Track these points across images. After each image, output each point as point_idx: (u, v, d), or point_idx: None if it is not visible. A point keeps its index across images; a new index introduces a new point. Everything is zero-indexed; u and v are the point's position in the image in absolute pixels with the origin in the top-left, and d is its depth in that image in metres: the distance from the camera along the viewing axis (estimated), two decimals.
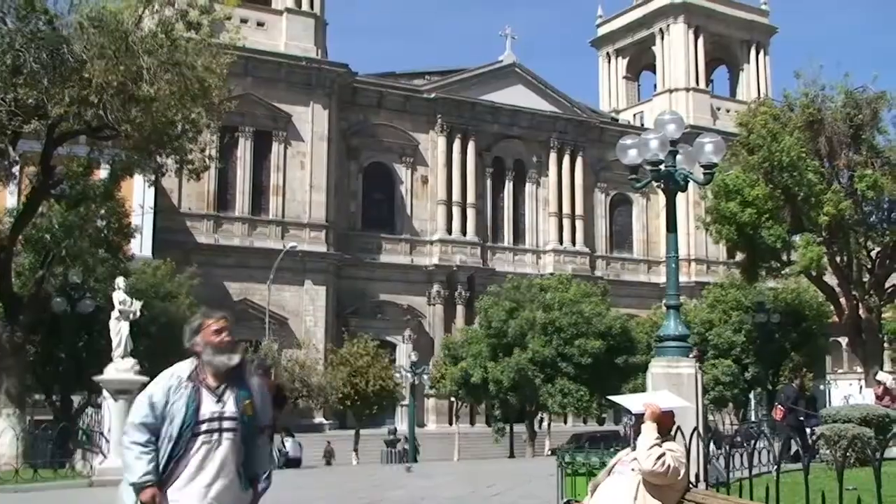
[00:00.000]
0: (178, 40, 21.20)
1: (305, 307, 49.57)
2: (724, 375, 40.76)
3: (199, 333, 5.12)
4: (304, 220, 50.56)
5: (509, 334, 40.81)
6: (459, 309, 54.99)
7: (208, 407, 4.98)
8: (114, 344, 19.45)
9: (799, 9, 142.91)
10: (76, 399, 30.50)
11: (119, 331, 19.42)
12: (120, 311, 19.47)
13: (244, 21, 46.13)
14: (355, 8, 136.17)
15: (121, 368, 19.21)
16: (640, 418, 5.78)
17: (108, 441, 18.98)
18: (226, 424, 5.00)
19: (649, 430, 5.63)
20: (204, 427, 4.94)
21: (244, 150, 49.85)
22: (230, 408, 5.02)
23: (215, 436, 4.96)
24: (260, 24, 50.99)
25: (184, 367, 5.10)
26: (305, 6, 52.55)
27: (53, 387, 29.91)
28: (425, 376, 44.20)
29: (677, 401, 6.42)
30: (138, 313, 20.10)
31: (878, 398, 22.27)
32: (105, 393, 19.54)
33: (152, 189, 39.36)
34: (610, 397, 8.21)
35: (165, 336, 30.47)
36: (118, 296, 19.69)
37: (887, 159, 31.67)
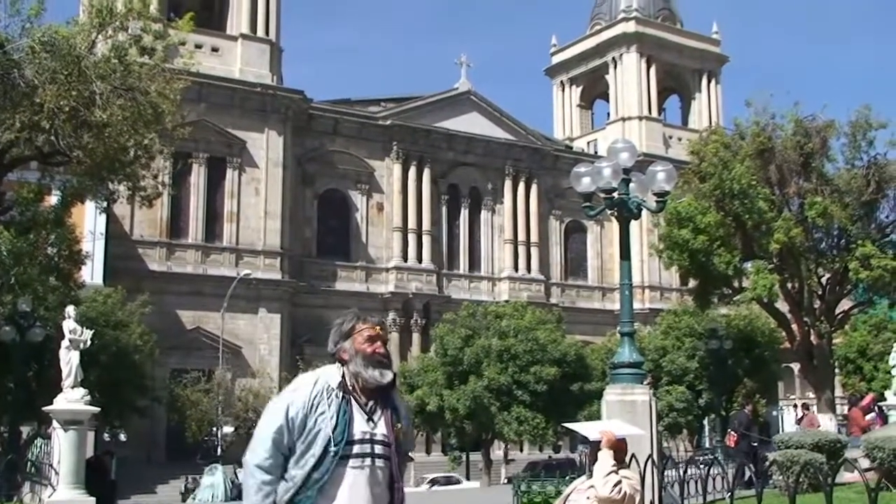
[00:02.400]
0: (132, 65, 21.05)
1: (259, 335, 49.13)
2: (678, 402, 40.97)
3: (350, 338, 4.34)
4: (258, 248, 50.22)
5: (465, 362, 40.73)
6: (415, 336, 54.85)
7: (360, 425, 4.18)
8: (64, 373, 19.11)
9: (750, 38, 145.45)
10: (25, 430, 29.89)
11: (69, 360, 19.09)
12: (70, 341, 19.14)
13: (199, 46, 45.93)
14: (311, 34, 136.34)
15: (71, 398, 18.87)
16: (596, 446, 5.78)
17: (57, 473, 18.59)
18: (378, 449, 4.19)
19: (606, 458, 5.63)
20: (356, 449, 4.13)
21: (198, 177, 49.47)
22: (381, 429, 4.22)
23: (367, 461, 4.15)
24: (215, 50, 50.79)
25: (331, 373, 4.30)
26: (261, 32, 52.45)
27: (2, 417, 29.29)
28: None
29: (630, 429, 6.44)
30: (89, 342, 19.79)
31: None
32: (55, 423, 19.15)
33: (104, 215, 38.87)
34: (566, 425, 8.21)
35: (116, 365, 30.09)
36: (68, 325, 19.36)
37: (836, 187, 32.21)
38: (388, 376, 4.29)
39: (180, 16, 25.80)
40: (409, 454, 4.57)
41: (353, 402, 4.21)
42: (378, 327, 4.40)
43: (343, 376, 4.27)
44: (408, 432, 4.44)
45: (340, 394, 4.20)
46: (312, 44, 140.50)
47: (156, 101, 21.02)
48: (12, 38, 20.23)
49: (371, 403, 4.26)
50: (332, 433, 4.08)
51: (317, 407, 4.14)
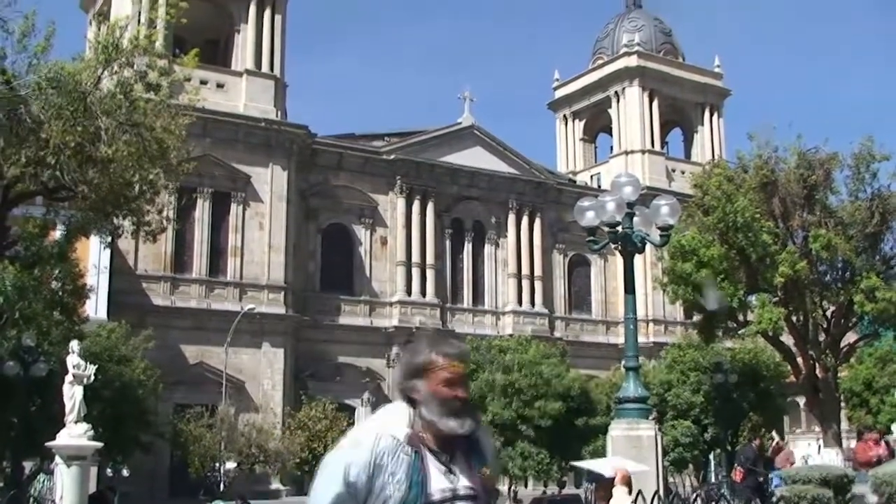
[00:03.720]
0: (137, 101, 21.19)
1: (263, 370, 49.01)
2: (683, 437, 40.69)
3: (423, 377, 3.66)
4: (262, 282, 50.22)
5: (469, 397, 40.54)
6: None
7: (437, 482, 3.55)
8: (67, 409, 19.09)
9: (752, 71, 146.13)
10: (28, 465, 29.80)
11: (73, 395, 19.08)
12: (74, 376, 19.15)
13: (204, 82, 46.27)
14: (315, 69, 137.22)
15: (74, 434, 18.84)
16: (608, 483, 5.76)
17: None
18: None
19: (622, 495, 5.63)
20: None
21: (202, 211, 49.59)
22: (464, 482, 3.61)
23: None
24: (220, 86, 51.09)
25: (395, 421, 3.63)
26: (265, 68, 52.78)
27: (4, 453, 29.19)
28: None
29: (635, 465, 6.44)
30: (93, 377, 19.78)
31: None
32: (58, 459, 19.11)
33: (108, 250, 38.91)
34: (575, 463, 8.18)
35: (120, 400, 30.02)
36: (72, 359, 19.38)
37: (840, 219, 32.21)
38: (468, 426, 3.64)
39: (185, 52, 26.01)
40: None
41: (428, 454, 3.58)
42: (458, 365, 3.71)
43: (412, 424, 3.63)
44: (494, 474, 3.87)
45: (409, 449, 3.55)
46: (317, 79, 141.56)
47: (161, 136, 21.14)
48: (19, 74, 20.40)
49: (449, 453, 3.63)
50: (407, 498, 3.49)
51: (383, 468, 3.50)
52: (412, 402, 3.67)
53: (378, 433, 3.56)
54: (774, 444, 24.67)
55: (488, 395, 40.22)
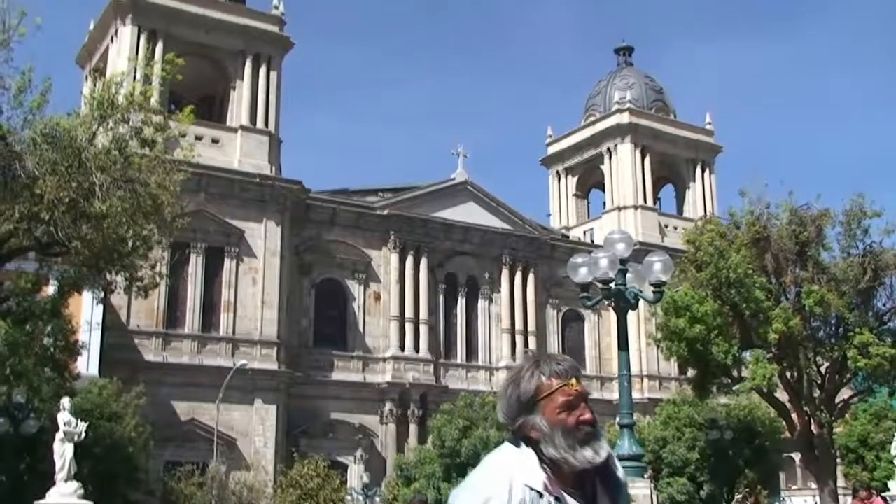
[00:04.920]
0: (132, 157, 21.24)
1: (255, 427, 48.59)
2: (679, 494, 40.39)
3: (537, 406, 3.13)
4: (255, 338, 50.00)
5: (463, 454, 40.24)
6: (412, 428, 54.27)
7: None
8: (57, 466, 18.93)
9: (743, 128, 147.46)
10: None
11: (63, 453, 18.93)
12: (65, 433, 19.01)
13: (199, 138, 46.57)
14: (309, 125, 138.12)
15: (64, 492, 18.66)
16: None
17: None
18: None
19: None
20: None
21: (195, 267, 49.53)
22: None
23: None
24: (215, 141, 51.36)
25: (521, 466, 3.10)
26: (260, 124, 53.11)
27: None
28: (377, 498, 43.29)
29: None
30: (83, 435, 19.62)
31: None
32: None
33: (101, 306, 38.86)
34: None
35: (110, 458, 29.72)
36: (63, 416, 19.25)
37: (833, 275, 32.31)
38: (605, 451, 3.13)
39: (181, 108, 26.17)
40: None
41: (570, 500, 3.09)
42: (574, 382, 3.18)
43: (541, 467, 3.10)
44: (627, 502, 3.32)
45: (551, 498, 3.03)
46: (311, 134, 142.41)
47: (155, 192, 21.16)
48: (15, 129, 20.46)
49: (586, 491, 3.14)
50: None
51: None
52: (530, 442, 3.14)
53: (509, 485, 3.02)
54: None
55: (483, 452, 39.88)
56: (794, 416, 34.47)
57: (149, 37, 50.31)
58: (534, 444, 3.12)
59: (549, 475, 3.05)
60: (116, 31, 51.81)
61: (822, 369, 34.02)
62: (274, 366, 49.83)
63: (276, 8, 55.59)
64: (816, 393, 33.77)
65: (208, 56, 53.20)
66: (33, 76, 20.15)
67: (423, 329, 56.58)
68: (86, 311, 35.74)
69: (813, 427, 33.39)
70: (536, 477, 3.05)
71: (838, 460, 42.79)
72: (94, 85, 46.02)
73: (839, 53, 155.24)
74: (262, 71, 53.79)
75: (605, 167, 68.90)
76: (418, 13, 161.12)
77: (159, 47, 48.73)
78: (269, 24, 54.88)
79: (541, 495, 3.01)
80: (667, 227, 66.62)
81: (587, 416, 3.11)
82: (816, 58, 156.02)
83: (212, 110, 55.07)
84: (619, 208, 66.23)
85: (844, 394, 36.22)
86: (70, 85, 56.62)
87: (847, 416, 42.66)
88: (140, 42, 49.84)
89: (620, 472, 3.26)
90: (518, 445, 3.15)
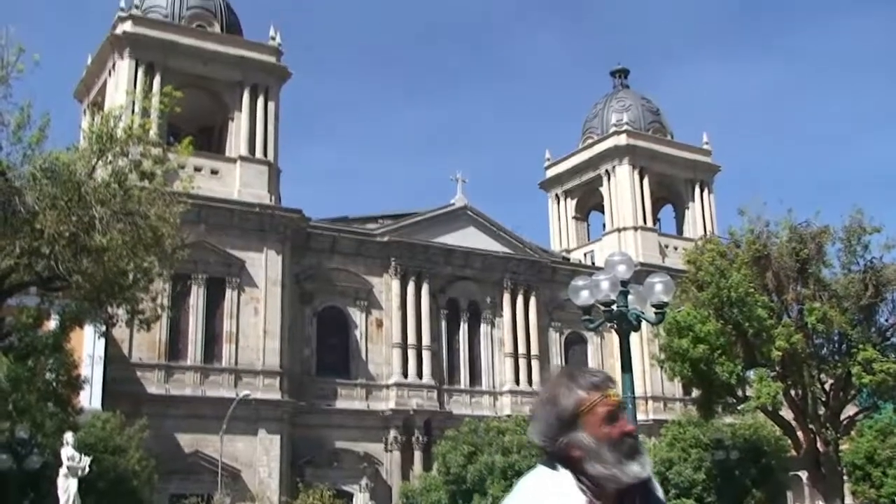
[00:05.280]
0: (132, 190, 21.29)
1: (259, 458, 48.39)
2: None
3: (578, 422, 2.98)
4: (257, 368, 49.90)
5: (468, 480, 40.07)
6: (417, 455, 54.06)
7: None
8: (61, 502, 18.87)
9: (740, 146, 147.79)
10: None
11: (67, 488, 18.90)
12: (68, 468, 18.97)
13: (198, 169, 46.70)
14: (308, 153, 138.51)
15: None
16: None
17: None
18: None
19: None
20: None
21: (197, 298, 49.52)
22: None
23: None
24: (214, 172, 51.48)
25: (564, 491, 2.91)
26: (259, 154, 53.25)
27: None
28: None
29: None
30: (87, 469, 19.56)
31: None
32: None
33: (102, 339, 38.82)
34: None
35: (115, 492, 29.60)
36: (67, 451, 19.21)
37: (835, 292, 32.29)
38: (649, 465, 3.03)
39: (180, 140, 26.24)
40: None
41: None
42: (613, 393, 3.08)
43: (581, 489, 2.91)
44: None
45: None
46: (310, 163, 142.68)
47: (155, 224, 21.19)
48: (14, 165, 20.52)
49: None
50: None
51: None
52: (567, 463, 2.97)
53: None
54: None
55: (488, 478, 39.75)
56: (799, 434, 34.34)
57: (146, 70, 50.54)
58: (574, 465, 2.95)
59: (590, 498, 2.90)
60: (114, 65, 52.06)
61: (827, 386, 33.95)
62: (277, 395, 49.70)
63: (273, 39, 55.89)
64: (821, 410, 33.67)
65: (206, 87, 53.41)
66: (32, 112, 20.27)
67: (426, 355, 56.47)
68: (87, 345, 35.71)
69: (819, 445, 33.27)
70: (577, 501, 2.90)
71: (845, 478, 42.59)
72: (93, 119, 46.24)
73: (836, 71, 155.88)
74: (260, 101, 54.01)
75: (603, 189, 68.99)
76: (413, 42, 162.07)
77: (157, 80, 48.91)
78: (266, 54, 55.16)
79: None
80: (667, 247, 66.63)
81: (629, 426, 3.00)
82: (812, 76, 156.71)
83: (210, 141, 55.27)
84: (619, 230, 66.27)
85: (849, 410, 36.10)
86: (68, 119, 56.87)
87: (853, 432, 42.48)
88: (138, 75, 50.05)
89: (660, 492, 3.12)
90: (554, 468, 2.98)
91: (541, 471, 3.02)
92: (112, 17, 52.68)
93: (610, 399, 3.02)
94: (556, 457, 2.98)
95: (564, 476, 2.94)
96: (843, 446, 39.00)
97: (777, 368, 32.40)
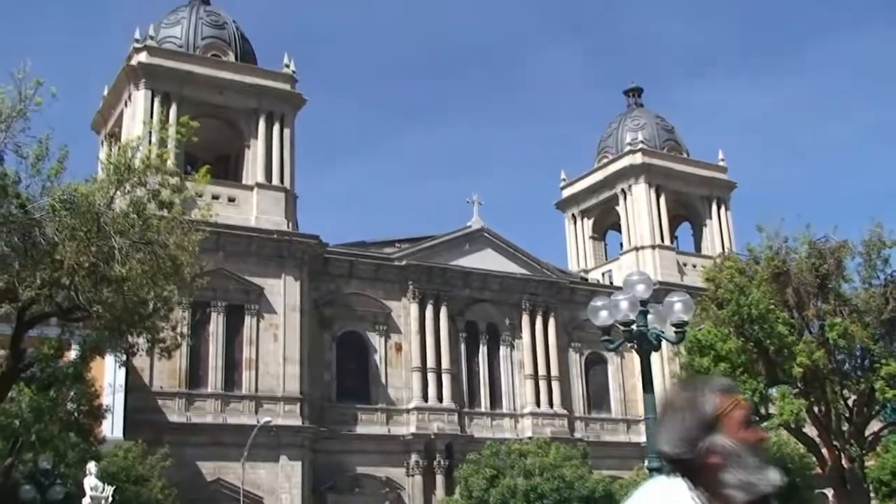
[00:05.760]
0: (150, 219, 21.38)
1: (281, 484, 48.33)
2: None
3: (718, 425, 2.84)
4: (278, 394, 49.93)
5: (491, 503, 39.90)
6: (439, 479, 53.84)
7: None
8: None
9: (756, 163, 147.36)
10: None
11: None
12: (91, 498, 19.00)
13: (216, 197, 46.97)
14: (324, 179, 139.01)
15: None
16: None
17: None
18: None
19: None
20: None
21: (216, 325, 49.66)
22: None
23: None
24: (231, 200, 51.76)
25: (681, 501, 2.77)
26: (276, 181, 53.52)
27: None
28: None
29: None
30: (110, 499, 19.59)
31: None
32: None
33: (123, 369, 38.92)
34: None
35: None
36: (89, 481, 19.26)
37: (855, 307, 32.08)
38: (782, 475, 2.94)
39: (197, 169, 26.42)
40: None
41: None
42: (743, 398, 2.94)
43: (698, 500, 2.77)
44: None
45: None
46: (326, 189, 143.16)
47: (174, 253, 21.28)
48: (33, 197, 20.66)
49: None
50: None
51: None
52: (705, 471, 2.83)
53: None
54: None
55: (511, 500, 39.57)
56: (824, 451, 34.04)
57: (162, 100, 50.95)
58: (706, 475, 2.81)
59: None
60: (130, 96, 52.52)
61: (850, 402, 33.66)
62: (298, 421, 49.68)
63: (287, 66, 56.29)
64: (845, 427, 33.37)
65: (222, 116, 53.80)
66: (50, 144, 20.40)
67: (446, 378, 56.35)
68: (108, 374, 35.84)
69: (844, 461, 32.95)
70: None
71: (871, 494, 42.09)
72: (110, 149, 46.51)
73: (850, 84, 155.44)
74: (276, 128, 54.34)
75: (620, 208, 68.91)
76: (426, 66, 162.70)
77: (173, 109, 49.29)
78: (280, 82, 55.54)
79: None
80: (685, 265, 66.41)
81: (764, 433, 2.87)
82: (826, 90, 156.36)
83: (227, 169, 55.61)
84: (637, 248, 66.12)
85: (874, 426, 35.76)
86: (86, 150, 57.35)
87: (878, 448, 42.03)
88: (154, 105, 50.48)
89: None
90: (670, 480, 2.85)
91: (658, 480, 2.95)
92: (128, 48, 53.19)
93: (738, 402, 2.92)
94: (688, 466, 2.84)
95: (680, 485, 2.83)
96: (869, 462, 38.55)
97: (799, 385, 32.16)
